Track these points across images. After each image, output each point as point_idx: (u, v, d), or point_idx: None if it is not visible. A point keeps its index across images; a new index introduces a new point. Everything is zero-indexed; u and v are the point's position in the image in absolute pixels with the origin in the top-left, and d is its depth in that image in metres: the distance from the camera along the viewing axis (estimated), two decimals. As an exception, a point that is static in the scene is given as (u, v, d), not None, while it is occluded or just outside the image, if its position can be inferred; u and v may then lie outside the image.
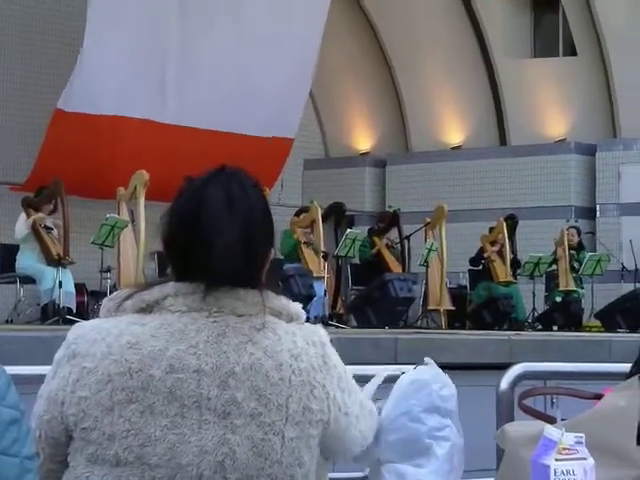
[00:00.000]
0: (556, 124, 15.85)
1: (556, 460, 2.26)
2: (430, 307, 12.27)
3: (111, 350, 1.75)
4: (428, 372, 2.63)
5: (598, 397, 2.54)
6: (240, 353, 1.74)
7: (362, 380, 2.87)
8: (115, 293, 1.84)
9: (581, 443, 2.26)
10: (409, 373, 2.67)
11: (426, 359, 2.71)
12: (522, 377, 4.04)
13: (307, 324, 1.83)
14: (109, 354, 1.75)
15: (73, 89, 11.74)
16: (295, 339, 1.78)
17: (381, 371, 2.75)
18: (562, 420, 2.59)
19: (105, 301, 1.85)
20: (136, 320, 1.78)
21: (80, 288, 11.37)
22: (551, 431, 2.29)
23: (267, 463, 1.72)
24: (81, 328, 1.81)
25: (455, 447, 2.66)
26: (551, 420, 2.58)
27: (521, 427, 2.61)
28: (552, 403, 8.41)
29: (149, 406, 1.72)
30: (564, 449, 2.25)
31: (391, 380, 2.76)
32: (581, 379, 5.00)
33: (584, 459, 2.25)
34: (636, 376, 2.45)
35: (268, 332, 1.76)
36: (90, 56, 11.75)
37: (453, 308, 12.48)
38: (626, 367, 3.25)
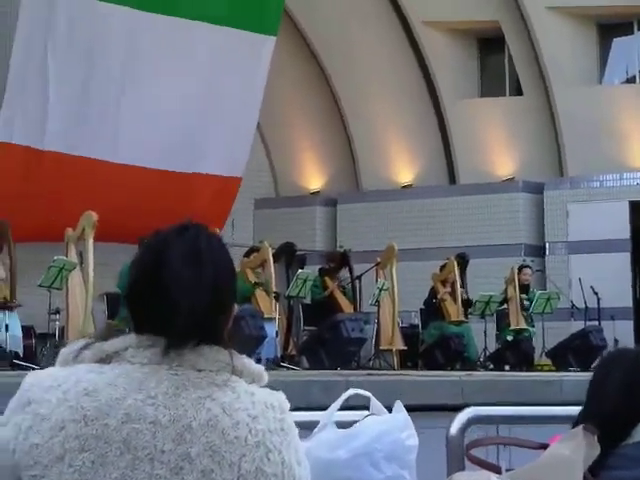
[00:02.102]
0: (504, 163, 16.04)
1: (502, 512, 2.25)
2: (382, 347, 12.25)
3: (67, 397, 1.72)
4: (399, 418, 2.60)
5: (544, 447, 2.54)
6: (198, 408, 1.72)
7: (313, 427, 2.84)
8: (73, 343, 1.82)
9: (527, 495, 2.26)
10: (381, 416, 2.64)
11: (397, 403, 2.69)
12: (472, 422, 4.04)
13: (267, 389, 1.82)
14: (65, 400, 1.72)
15: (9, 120, 11.71)
16: (254, 400, 1.76)
17: (337, 400, 2.73)
18: (508, 471, 2.58)
19: (63, 350, 1.82)
20: (94, 368, 1.76)
21: (28, 330, 11.19)
22: (497, 482, 2.28)
23: None
24: (36, 376, 1.79)
25: (405, 502, 2.63)
26: (497, 469, 2.58)
27: (468, 477, 2.60)
28: (502, 448, 8.42)
29: (101, 456, 1.69)
30: (510, 501, 2.25)
31: (343, 426, 2.73)
32: (530, 422, 5.01)
33: (530, 511, 2.25)
34: (580, 426, 2.45)
35: (227, 390, 1.75)
36: (22, 87, 11.73)
37: (405, 348, 12.47)
38: (575, 410, 3.25)
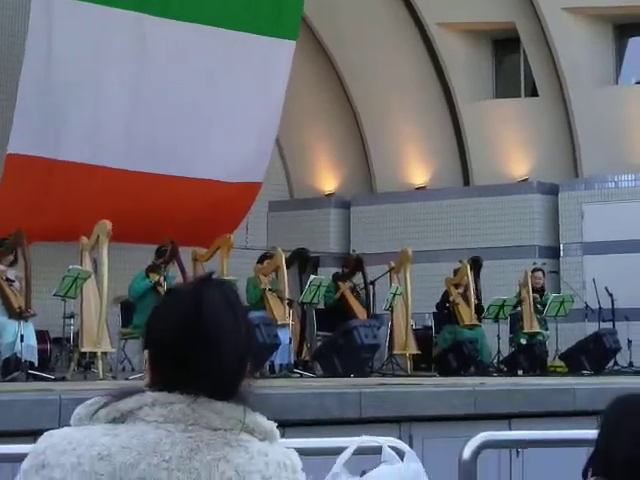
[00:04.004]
0: (519, 164, 15.99)
1: None
2: (396, 351, 12.26)
3: (81, 461, 1.72)
4: (411, 468, 2.62)
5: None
6: (212, 471, 1.72)
7: (329, 452, 2.85)
8: (88, 401, 1.81)
9: None
10: (392, 465, 2.65)
11: (408, 452, 2.70)
12: (484, 446, 4.04)
13: (280, 446, 1.82)
14: (79, 465, 1.72)
15: (20, 131, 11.69)
16: (267, 460, 1.76)
17: (349, 447, 2.74)
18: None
19: (78, 408, 1.81)
20: (109, 430, 1.75)
21: (42, 335, 11.26)
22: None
23: None
24: (51, 437, 1.78)
25: None
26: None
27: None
28: (517, 452, 8.39)
29: None
30: None
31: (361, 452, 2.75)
32: (542, 446, 5.01)
33: None
34: (591, 479, 2.44)
35: (241, 450, 1.75)
36: (34, 97, 11.71)
37: (419, 352, 12.48)
38: (586, 434, 3.24)
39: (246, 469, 1.73)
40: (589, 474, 2.48)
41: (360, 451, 2.78)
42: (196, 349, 1.75)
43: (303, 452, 1.86)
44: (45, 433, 1.80)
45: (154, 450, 1.72)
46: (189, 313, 1.76)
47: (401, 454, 3.11)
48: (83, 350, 10.15)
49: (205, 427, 1.75)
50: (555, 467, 6.16)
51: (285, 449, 1.81)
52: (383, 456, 2.78)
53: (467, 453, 4.01)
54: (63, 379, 9.46)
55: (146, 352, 1.82)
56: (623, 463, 2.40)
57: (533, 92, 16.21)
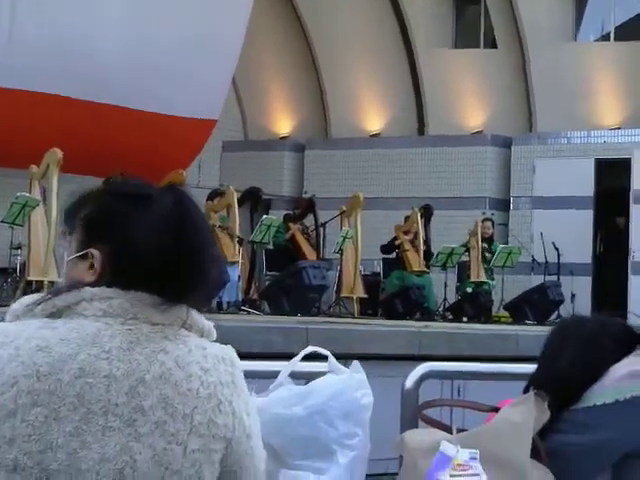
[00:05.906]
0: (474, 116, 16.05)
1: (451, 476, 2.30)
2: (343, 294, 12.35)
3: (19, 352, 1.71)
4: (355, 378, 2.64)
5: (495, 410, 2.58)
6: (151, 361, 1.74)
7: (273, 376, 2.87)
8: (25, 297, 1.80)
9: (475, 459, 2.31)
10: (337, 375, 2.67)
11: (354, 363, 2.72)
12: (427, 376, 4.10)
13: (217, 344, 1.84)
14: (17, 356, 1.71)
15: None
16: (206, 354, 1.79)
17: (295, 357, 2.76)
18: (460, 430, 2.62)
19: (14, 305, 1.80)
20: (46, 324, 1.74)
21: (-11, 265, 11.18)
22: (447, 447, 2.32)
23: (167, 473, 1.72)
24: None
25: (358, 459, 2.67)
26: (448, 429, 2.63)
27: (420, 436, 2.64)
28: (459, 392, 8.51)
29: (54, 410, 1.70)
30: (459, 465, 2.30)
31: (301, 376, 2.77)
32: (485, 379, 5.08)
33: (477, 475, 2.29)
34: (532, 392, 2.49)
35: (180, 344, 1.77)
36: None
37: (366, 296, 12.57)
38: (528, 368, 3.29)
39: (185, 360, 1.75)
40: (531, 389, 2.53)
41: (304, 376, 2.79)
42: (173, 250, 1.74)
43: (247, 375, 1.88)
44: None
45: (93, 342, 1.72)
46: (173, 220, 1.76)
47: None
48: (30, 279, 10.07)
49: (144, 322, 1.76)
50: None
51: (222, 346, 1.83)
52: (329, 366, 2.79)
53: (410, 382, 4.06)
54: (7, 306, 9.37)
55: (96, 252, 1.80)
56: (561, 380, 2.46)
57: (492, 44, 16.23)
